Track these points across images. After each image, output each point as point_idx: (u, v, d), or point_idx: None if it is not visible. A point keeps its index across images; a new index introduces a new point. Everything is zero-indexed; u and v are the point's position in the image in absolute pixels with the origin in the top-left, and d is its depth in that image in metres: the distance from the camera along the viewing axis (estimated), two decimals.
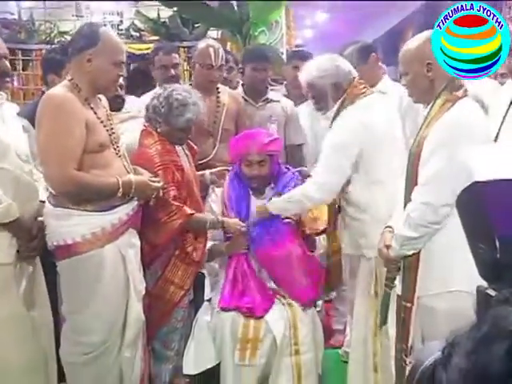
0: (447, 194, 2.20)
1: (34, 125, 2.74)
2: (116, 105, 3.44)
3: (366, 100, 3.06)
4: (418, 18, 9.84)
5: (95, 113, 2.71)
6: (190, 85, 3.69)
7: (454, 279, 2.37)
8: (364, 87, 3.10)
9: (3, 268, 2.66)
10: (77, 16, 8.64)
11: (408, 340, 2.48)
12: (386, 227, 2.64)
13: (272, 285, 3.17)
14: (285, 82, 4.65)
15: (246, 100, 4.00)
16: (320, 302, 3.70)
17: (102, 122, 2.73)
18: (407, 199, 2.49)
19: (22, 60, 8.03)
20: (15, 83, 7.56)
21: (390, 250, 2.52)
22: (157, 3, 7.45)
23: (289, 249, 3.15)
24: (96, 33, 2.70)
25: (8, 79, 2.84)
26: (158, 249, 3.02)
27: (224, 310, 3.01)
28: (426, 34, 2.50)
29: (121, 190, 2.66)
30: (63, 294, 2.79)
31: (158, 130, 3.07)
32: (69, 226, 2.63)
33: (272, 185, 3.29)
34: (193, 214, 2.99)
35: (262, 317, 2.98)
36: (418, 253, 2.45)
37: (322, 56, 3.21)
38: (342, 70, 3.09)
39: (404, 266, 2.52)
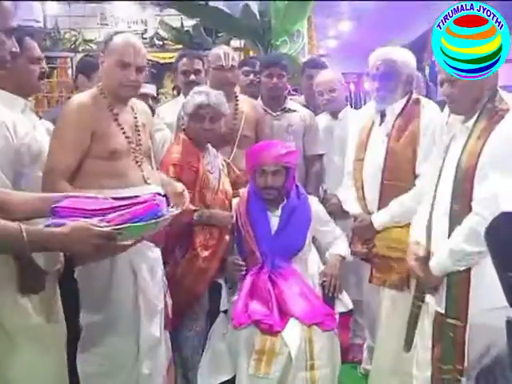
0: None
1: None
2: None
3: None
4: None
5: (116, 119, 2.71)
6: None
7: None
8: None
9: None
10: (101, 24, 8.74)
11: (463, 360, 2.38)
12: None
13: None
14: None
15: (264, 109, 3.99)
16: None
17: (122, 128, 2.72)
18: (454, 214, 2.39)
19: (47, 67, 8.10)
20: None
21: (436, 265, 2.42)
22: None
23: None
24: (110, 36, 2.75)
25: (44, 81, 2.85)
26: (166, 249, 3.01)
27: (239, 328, 2.97)
28: None
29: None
30: (82, 302, 2.78)
31: (183, 127, 3.24)
32: None
33: (285, 201, 3.27)
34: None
35: (279, 332, 2.94)
36: (469, 268, 2.36)
37: None
38: None
39: (450, 283, 2.42)
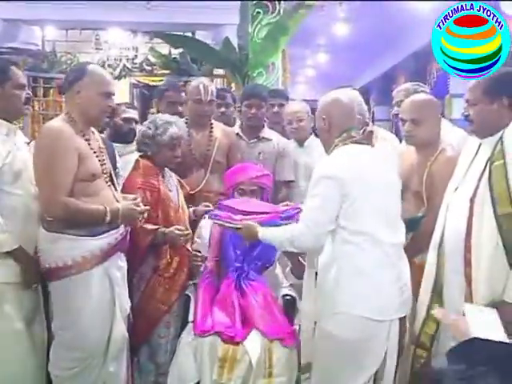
0: None
1: None
2: (129, 137, 3.62)
3: None
4: (409, 64, 9.93)
5: (89, 144, 2.77)
6: (186, 121, 3.73)
7: None
8: None
9: (8, 286, 2.72)
10: (96, 49, 8.79)
11: None
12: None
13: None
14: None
15: (240, 137, 4.02)
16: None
17: (95, 152, 2.79)
18: None
19: (44, 87, 8.15)
20: (36, 108, 7.67)
21: None
22: None
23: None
24: (83, 68, 2.80)
25: (28, 106, 2.92)
26: (135, 263, 3.09)
27: (201, 336, 3.01)
28: (332, 93, 2.68)
29: (108, 216, 2.70)
30: (54, 312, 2.82)
31: (149, 153, 3.26)
32: (60, 249, 2.68)
33: None
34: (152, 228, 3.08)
35: (240, 342, 2.99)
36: None
37: None
38: None
39: None
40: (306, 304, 2.81)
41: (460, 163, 2.66)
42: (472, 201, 2.44)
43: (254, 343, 3.00)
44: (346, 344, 2.48)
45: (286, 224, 2.77)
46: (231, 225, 2.89)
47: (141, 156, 3.31)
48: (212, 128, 3.78)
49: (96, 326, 2.75)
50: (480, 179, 2.45)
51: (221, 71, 7.56)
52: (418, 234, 2.88)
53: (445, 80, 8.31)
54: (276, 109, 4.33)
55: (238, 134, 4.03)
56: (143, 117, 5.47)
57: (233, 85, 6.86)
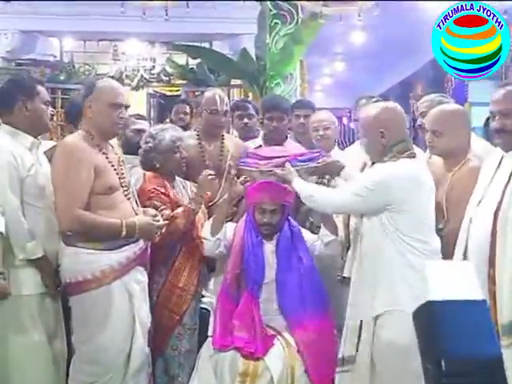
0: None
1: None
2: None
3: None
4: (427, 72, 9.88)
5: (107, 157, 2.80)
6: (198, 133, 3.73)
7: None
8: None
9: (30, 298, 2.75)
10: (113, 60, 8.84)
11: None
12: None
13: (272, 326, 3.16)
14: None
15: None
16: None
17: (112, 165, 2.81)
18: None
19: (62, 98, 8.22)
20: (54, 119, 7.74)
21: None
22: None
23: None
24: (93, 83, 2.86)
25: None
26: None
27: (221, 351, 3.00)
28: (385, 104, 2.78)
29: (124, 230, 2.71)
30: (74, 326, 2.84)
31: (157, 165, 3.28)
32: (80, 263, 2.70)
33: (279, 233, 3.27)
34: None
35: (261, 358, 2.97)
36: None
37: None
38: None
39: None
40: (353, 299, 2.83)
41: (482, 175, 2.64)
42: (496, 215, 2.41)
43: (275, 359, 2.98)
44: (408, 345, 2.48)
45: (304, 165, 3.13)
46: (264, 168, 3.15)
47: (147, 170, 3.32)
48: (223, 139, 3.76)
49: (116, 341, 2.76)
50: (504, 192, 2.42)
51: (238, 81, 7.57)
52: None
53: (463, 88, 8.25)
54: (302, 120, 4.29)
55: (260, 146, 4.01)
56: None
57: (250, 95, 6.86)
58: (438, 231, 2.85)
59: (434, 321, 1.24)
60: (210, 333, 3.18)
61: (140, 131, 3.80)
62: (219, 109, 3.60)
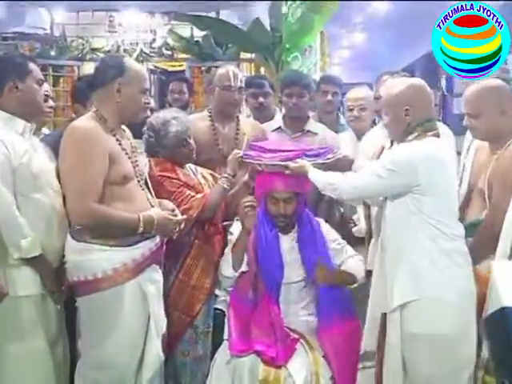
0: None
1: (57, 154, 2.78)
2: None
3: None
4: None
5: (120, 144, 2.76)
6: (210, 111, 3.71)
7: None
8: None
9: (29, 300, 2.72)
10: (109, 32, 8.79)
11: None
12: None
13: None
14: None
15: (283, 130, 3.94)
16: None
17: (126, 153, 2.78)
18: None
19: (53, 76, 8.19)
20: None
21: None
22: None
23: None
24: (121, 62, 2.78)
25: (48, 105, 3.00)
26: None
27: (239, 356, 2.97)
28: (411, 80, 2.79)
29: (142, 226, 2.69)
30: (82, 329, 2.82)
31: (161, 157, 3.25)
32: (90, 261, 2.67)
33: (298, 228, 3.24)
34: None
35: (282, 365, 2.94)
36: None
37: None
38: None
39: None
40: (375, 290, 2.89)
41: None
42: None
43: (298, 365, 2.96)
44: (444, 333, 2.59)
45: (311, 161, 3.10)
46: (268, 162, 3.12)
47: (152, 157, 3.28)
48: (239, 121, 3.72)
49: (128, 345, 2.74)
50: None
51: (248, 55, 7.49)
52: (478, 238, 2.81)
53: None
54: (329, 97, 4.26)
55: (280, 127, 3.95)
56: (162, 106, 5.48)
57: (261, 70, 6.79)
58: (479, 223, 2.81)
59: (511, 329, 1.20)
60: (225, 336, 3.15)
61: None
62: (233, 85, 3.58)
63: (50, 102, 3.20)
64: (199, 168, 3.40)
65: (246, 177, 3.30)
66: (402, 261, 2.68)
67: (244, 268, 3.16)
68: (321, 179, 2.98)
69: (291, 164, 3.08)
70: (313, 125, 3.98)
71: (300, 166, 3.07)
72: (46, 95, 2.92)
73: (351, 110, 3.99)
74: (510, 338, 1.18)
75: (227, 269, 3.17)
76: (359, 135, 3.99)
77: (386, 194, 2.79)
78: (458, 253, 2.68)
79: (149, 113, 3.70)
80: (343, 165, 3.31)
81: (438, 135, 2.75)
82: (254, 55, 7.39)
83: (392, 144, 3.27)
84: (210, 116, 3.66)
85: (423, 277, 2.63)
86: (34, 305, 2.73)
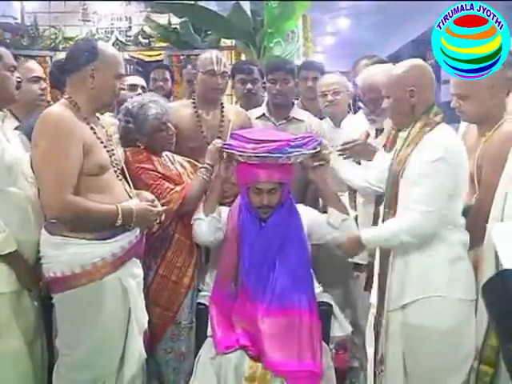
0: None
1: None
2: None
3: None
4: None
5: (95, 132, 2.74)
6: (193, 100, 3.71)
7: None
8: None
9: (4, 297, 2.70)
10: (83, 21, 8.71)
11: None
12: None
13: None
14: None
15: (267, 118, 3.97)
16: None
17: (102, 142, 2.76)
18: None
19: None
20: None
21: None
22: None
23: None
24: (95, 47, 2.75)
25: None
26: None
27: (225, 353, 2.98)
28: (414, 61, 2.81)
29: (120, 218, 2.68)
30: (59, 328, 2.80)
31: (140, 145, 3.25)
32: (67, 255, 2.65)
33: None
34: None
35: None
36: None
37: None
38: None
39: None
40: (379, 287, 2.90)
41: None
42: None
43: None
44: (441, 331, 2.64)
45: (296, 152, 3.03)
46: (251, 153, 3.02)
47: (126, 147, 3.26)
48: (223, 108, 3.73)
49: (108, 343, 2.74)
50: None
51: (229, 42, 7.47)
52: (470, 222, 2.82)
53: None
54: (310, 83, 4.30)
55: (263, 114, 3.97)
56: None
57: (242, 57, 6.77)
58: (469, 209, 2.83)
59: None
60: (209, 332, 3.15)
61: (135, 86, 3.97)
62: (216, 69, 3.57)
63: (43, 85, 3.35)
64: (176, 156, 3.41)
65: (221, 168, 3.20)
66: (411, 257, 2.73)
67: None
68: (380, 234, 2.85)
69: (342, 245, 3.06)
70: (297, 111, 4.02)
71: (350, 242, 2.98)
72: (18, 82, 2.87)
73: (325, 95, 4.06)
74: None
75: (199, 213, 3.19)
76: (336, 121, 4.09)
77: (447, 216, 2.71)
78: (461, 244, 2.73)
79: (141, 91, 3.76)
80: (366, 154, 3.38)
81: (443, 119, 2.77)
82: (234, 42, 7.38)
83: (377, 132, 3.30)
84: (193, 103, 3.67)
85: (433, 274, 2.68)
86: (9, 303, 2.71)
